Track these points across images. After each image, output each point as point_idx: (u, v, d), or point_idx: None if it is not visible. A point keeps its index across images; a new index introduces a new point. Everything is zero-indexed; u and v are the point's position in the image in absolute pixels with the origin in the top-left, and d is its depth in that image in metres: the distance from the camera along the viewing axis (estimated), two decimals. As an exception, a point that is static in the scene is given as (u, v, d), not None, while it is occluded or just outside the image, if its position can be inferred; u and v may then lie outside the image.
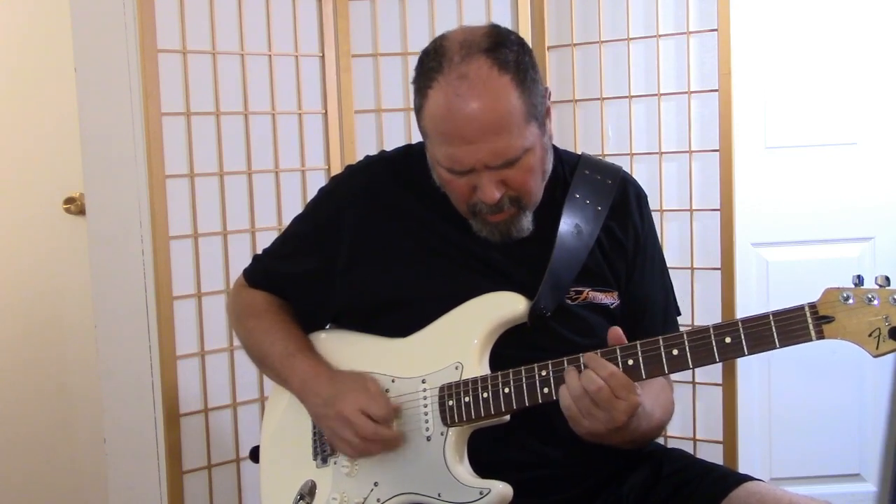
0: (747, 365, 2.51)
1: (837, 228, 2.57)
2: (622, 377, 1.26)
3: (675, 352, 1.25)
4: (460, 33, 1.37)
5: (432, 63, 1.35)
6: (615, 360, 1.28)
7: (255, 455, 1.65)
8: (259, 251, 1.73)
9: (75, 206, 2.57)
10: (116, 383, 2.23)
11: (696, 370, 2.39)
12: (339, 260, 1.53)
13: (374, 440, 1.39)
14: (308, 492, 1.49)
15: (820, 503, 1.34)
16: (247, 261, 1.73)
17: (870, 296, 1.17)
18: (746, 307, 2.46)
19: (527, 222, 1.42)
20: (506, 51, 1.33)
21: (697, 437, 2.44)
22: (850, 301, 1.17)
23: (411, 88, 1.41)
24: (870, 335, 1.16)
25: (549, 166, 1.44)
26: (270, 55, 2.33)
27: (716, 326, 1.24)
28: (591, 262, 1.47)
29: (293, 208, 1.69)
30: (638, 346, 1.27)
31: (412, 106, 1.42)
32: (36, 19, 2.63)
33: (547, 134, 1.41)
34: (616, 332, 1.31)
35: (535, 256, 1.44)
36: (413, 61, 2.42)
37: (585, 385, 1.27)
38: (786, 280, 2.56)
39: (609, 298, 1.49)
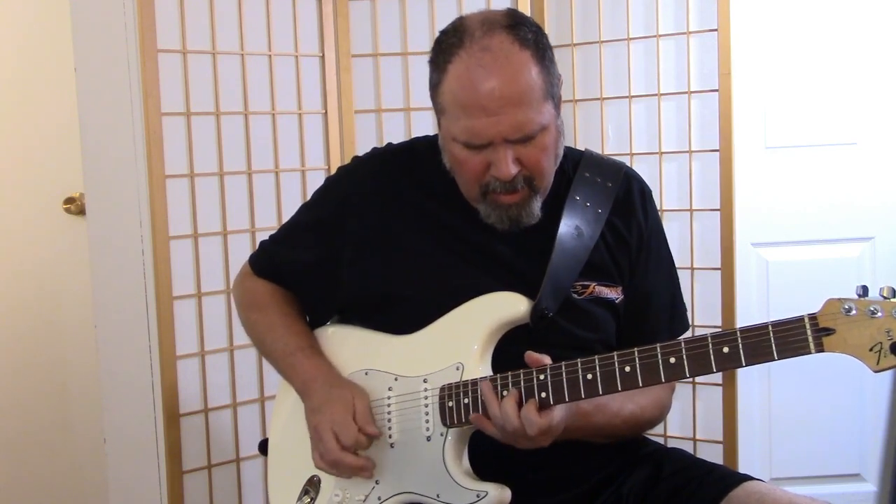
0: (747, 365, 2.52)
1: (837, 228, 2.57)
2: (535, 424, 1.27)
3: (672, 360, 1.24)
4: (479, 14, 1.39)
5: (452, 39, 1.36)
6: (612, 368, 1.27)
7: (263, 448, 1.66)
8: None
9: (75, 206, 2.57)
10: (116, 383, 2.23)
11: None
12: (345, 251, 1.53)
13: (337, 465, 1.40)
14: (313, 487, 1.50)
15: (820, 503, 1.34)
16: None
17: (873, 308, 1.13)
18: (746, 307, 2.47)
19: (536, 208, 1.42)
20: (525, 29, 1.36)
21: (697, 437, 2.44)
22: (853, 312, 1.14)
23: (428, 69, 1.41)
24: (871, 349, 1.13)
25: (561, 151, 1.45)
26: (270, 55, 2.33)
27: (714, 336, 1.22)
28: (595, 258, 1.47)
29: (293, 208, 1.69)
30: (636, 353, 1.26)
31: (428, 85, 1.42)
32: (36, 19, 2.63)
33: (560, 118, 1.42)
34: (532, 356, 1.31)
35: (540, 251, 1.44)
36: (413, 61, 2.46)
37: (506, 426, 1.29)
38: (786, 280, 2.56)
39: (614, 293, 1.49)
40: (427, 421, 1.40)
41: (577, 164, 1.53)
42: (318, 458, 1.43)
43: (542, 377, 1.30)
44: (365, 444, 1.40)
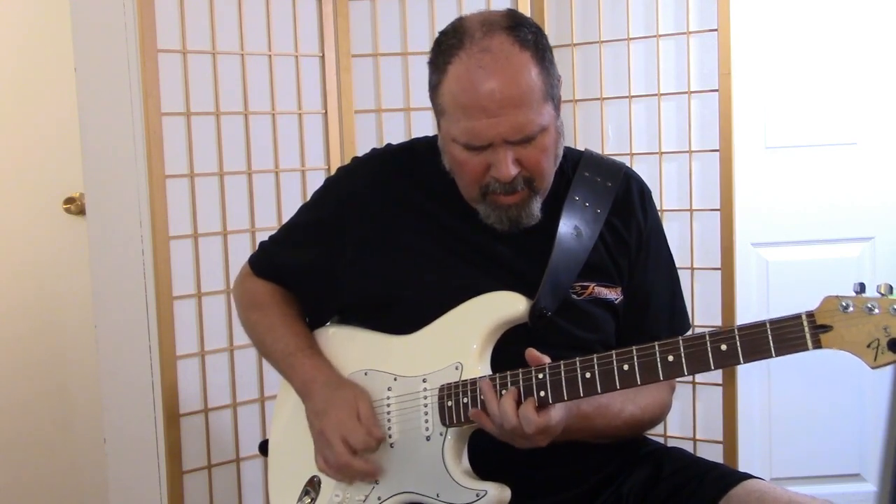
0: (747, 365, 2.51)
1: (837, 228, 2.57)
2: (533, 423, 1.27)
3: (670, 358, 1.24)
4: (479, 15, 1.39)
5: (452, 40, 1.36)
6: (611, 367, 1.27)
7: (264, 448, 1.66)
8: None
9: (75, 206, 2.57)
10: (116, 383, 2.23)
11: (697, 370, 2.40)
12: (345, 252, 1.53)
13: (345, 470, 1.40)
14: (313, 487, 1.50)
15: (820, 502, 1.34)
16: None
17: (870, 305, 1.13)
18: (746, 307, 2.47)
19: (536, 209, 1.42)
20: (525, 30, 1.36)
21: (697, 437, 2.44)
22: (850, 309, 1.14)
23: (427, 70, 1.41)
24: (868, 346, 1.13)
25: (561, 151, 1.45)
26: (270, 55, 2.33)
27: (711, 334, 1.22)
28: (595, 258, 1.47)
29: (293, 209, 1.69)
30: (634, 351, 1.26)
31: (427, 86, 1.42)
32: (36, 19, 2.63)
33: (560, 119, 1.42)
34: (532, 354, 1.31)
35: (539, 251, 1.44)
36: (413, 61, 2.46)
37: (504, 424, 1.29)
38: (786, 280, 2.56)
39: (613, 294, 1.49)
40: (426, 421, 1.40)
41: (576, 165, 1.53)
42: (323, 462, 1.43)
43: (540, 376, 1.30)
44: (374, 447, 1.40)
